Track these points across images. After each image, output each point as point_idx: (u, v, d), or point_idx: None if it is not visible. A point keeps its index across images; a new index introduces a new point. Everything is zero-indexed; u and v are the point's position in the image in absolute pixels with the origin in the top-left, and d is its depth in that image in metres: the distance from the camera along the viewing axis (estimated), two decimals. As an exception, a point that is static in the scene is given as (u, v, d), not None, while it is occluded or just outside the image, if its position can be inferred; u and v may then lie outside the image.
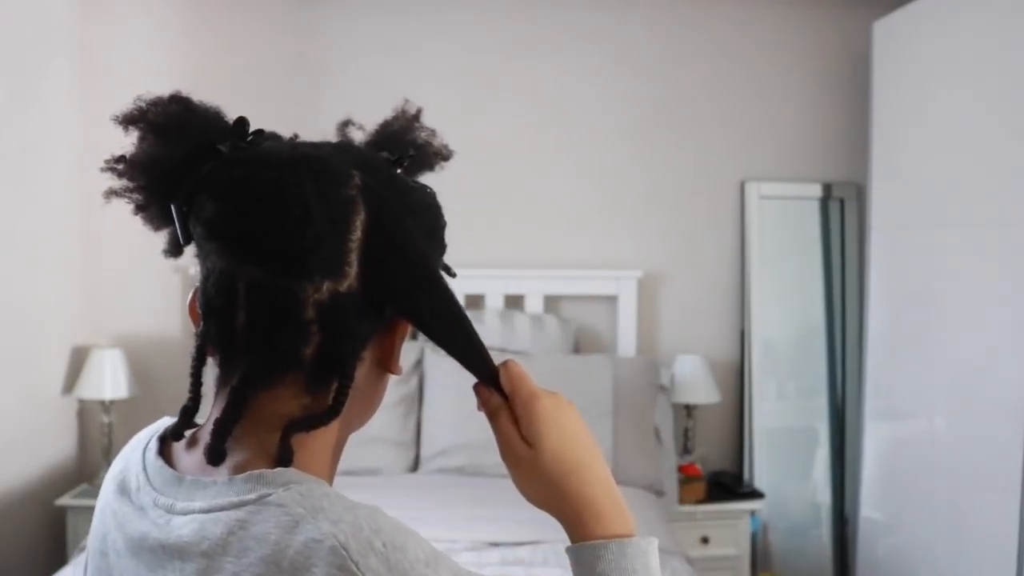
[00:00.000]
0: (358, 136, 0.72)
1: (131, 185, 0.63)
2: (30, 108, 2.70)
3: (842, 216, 3.31)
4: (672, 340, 3.25)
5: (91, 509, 2.69)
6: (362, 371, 0.65)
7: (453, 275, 0.70)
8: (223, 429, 0.61)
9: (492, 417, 0.67)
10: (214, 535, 0.57)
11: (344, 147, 0.68)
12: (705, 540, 2.93)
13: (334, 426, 0.64)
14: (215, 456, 0.60)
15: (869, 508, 2.96)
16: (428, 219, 0.68)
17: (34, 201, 2.74)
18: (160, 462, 0.65)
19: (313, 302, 0.60)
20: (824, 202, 3.32)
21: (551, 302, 3.18)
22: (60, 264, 2.90)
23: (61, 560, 2.71)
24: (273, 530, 0.55)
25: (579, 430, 0.67)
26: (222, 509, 0.58)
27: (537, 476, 0.66)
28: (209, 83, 2.99)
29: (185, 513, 0.59)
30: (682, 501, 2.90)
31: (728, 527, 2.96)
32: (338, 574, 0.52)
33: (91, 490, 2.77)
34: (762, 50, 3.26)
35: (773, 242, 3.27)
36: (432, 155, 0.73)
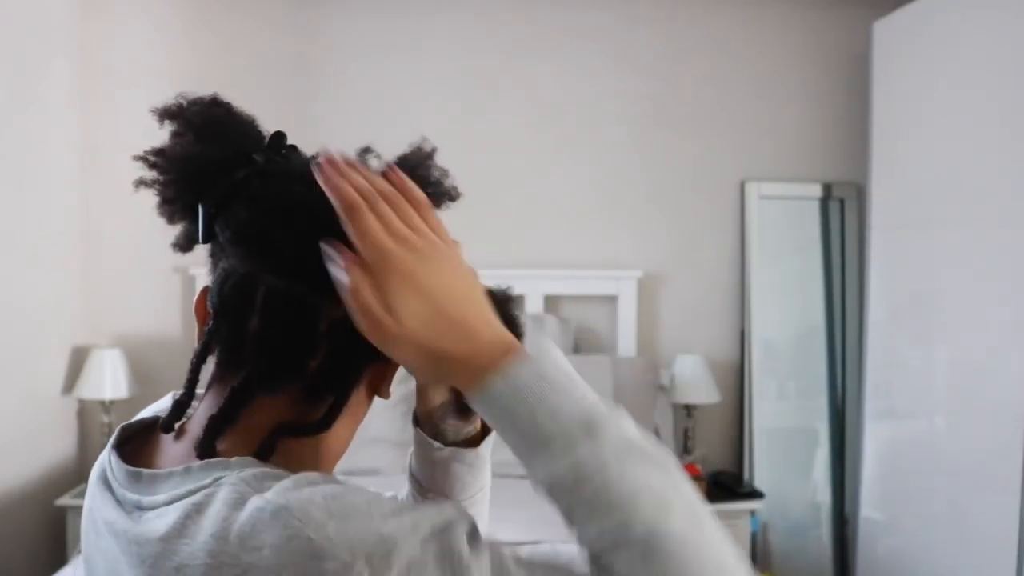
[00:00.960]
0: (374, 164, 0.74)
1: (162, 178, 0.65)
2: (30, 108, 2.70)
3: (842, 216, 3.31)
4: (672, 340, 3.24)
5: (91, 509, 2.69)
6: (355, 391, 0.67)
7: None
8: (218, 426, 0.62)
9: (351, 296, 0.59)
10: (171, 520, 0.58)
11: None
12: (705, 540, 2.93)
13: (317, 440, 0.66)
14: (205, 451, 0.62)
15: (869, 508, 2.96)
16: None
17: (34, 201, 2.74)
18: (115, 457, 0.67)
19: (329, 319, 0.62)
20: (824, 202, 3.32)
21: (551, 302, 3.18)
22: (60, 264, 2.90)
23: (61, 560, 2.71)
24: (223, 508, 0.56)
25: (444, 281, 0.59)
26: (181, 498, 0.59)
27: (411, 349, 0.59)
28: (209, 83, 2.97)
29: (153, 507, 0.61)
30: (682, 501, 2.89)
31: (728, 527, 2.94)
32: (284, 532, 0.53)
33: (91, 490, 2.77)
34: (762, 50, 3.26)
35: (773, 242, 3.27)
36: (442, 193, 0.75)
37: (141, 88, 3.01)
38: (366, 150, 0.73)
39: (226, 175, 0.63)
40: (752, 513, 3.02)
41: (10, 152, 2.58)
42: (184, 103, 0.65)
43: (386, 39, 3.12)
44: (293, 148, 0.68)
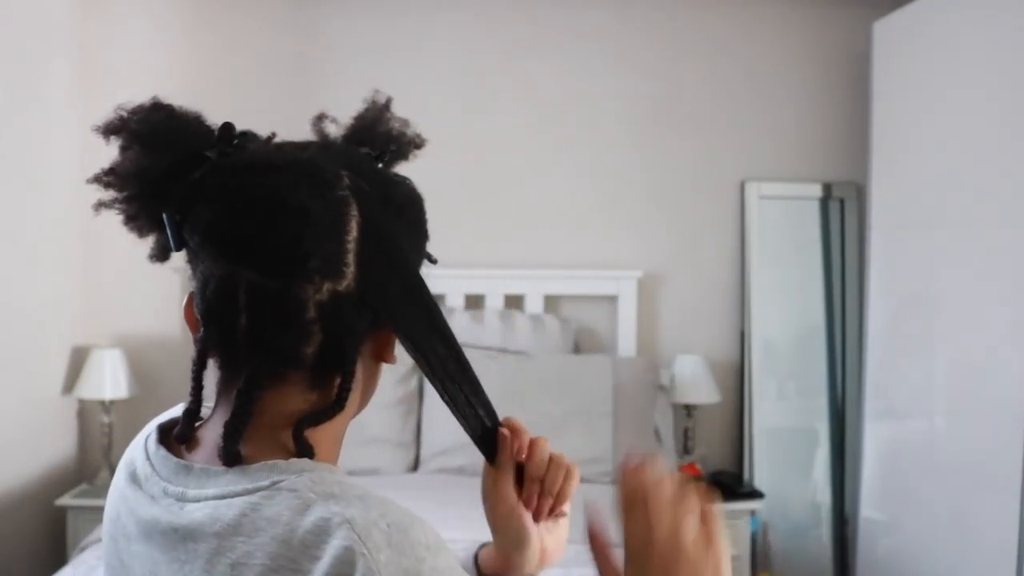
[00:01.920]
0: (332, 130, 0.73)
1: (120, 196, 0.64)
2: (30, 108, 2.70)
3: (842, 216, 3.31)
4: (672, 340, 3.24)
5: (91, 509, 2.69)
6: (360, 363, 0.66)
7: (434, 262, 0.72)
8: (235, 431, 0.62)
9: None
10: (227, 517, 0.58)
11: (328, 146, 0.69)
12: (705, 540, 2.93)
13: (337, 417, 0.66)
14: (230, 458, 0.61)
15: (869, 508, 2.96)
16: (412, 212, 0.69)
17: (34, 201, 2.74)
18: (163, 451, 0.66)
19: (315, 303, 0.61)
20: (824, 202, 3.31)
21: (551, 302, 3.18)
22: (60, 264, 2.90)
23: (61, 560, 2.71)
24: (285, 512, 0.57)
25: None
26: (236, 495, 0.59)
27: None
28: (209, 83, 2.98)
29: (198, 500, 0.61)
30: (682, 501, 2.89)
31: (728, 527, 2.96)
32: (342, 543, 0.54)
33: (91, 490, 2.77)
34: (762, 50, 3.26)
35: (773, 242, 3.27)
36: (406, 144, 0.73)
37: (141, 88, 3.00)
38: (321, 117, 0.72)
39: (181, 179, 0.62)
40: (752, 513, 3.02)
41: (10, 152, 2.58)
42: (125, 115, 0.63)
43: (386, 39, 3.12)
44: (245, 136, 0.65)
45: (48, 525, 2.78)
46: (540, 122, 3.19)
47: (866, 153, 3.09)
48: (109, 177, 0.64)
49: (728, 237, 3.27)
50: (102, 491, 2.75)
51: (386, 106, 0.73)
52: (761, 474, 3.20)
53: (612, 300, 3.19)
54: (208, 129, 0.65)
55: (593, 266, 3.20)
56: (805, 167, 3.29)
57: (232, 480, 0.60)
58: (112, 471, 2.84)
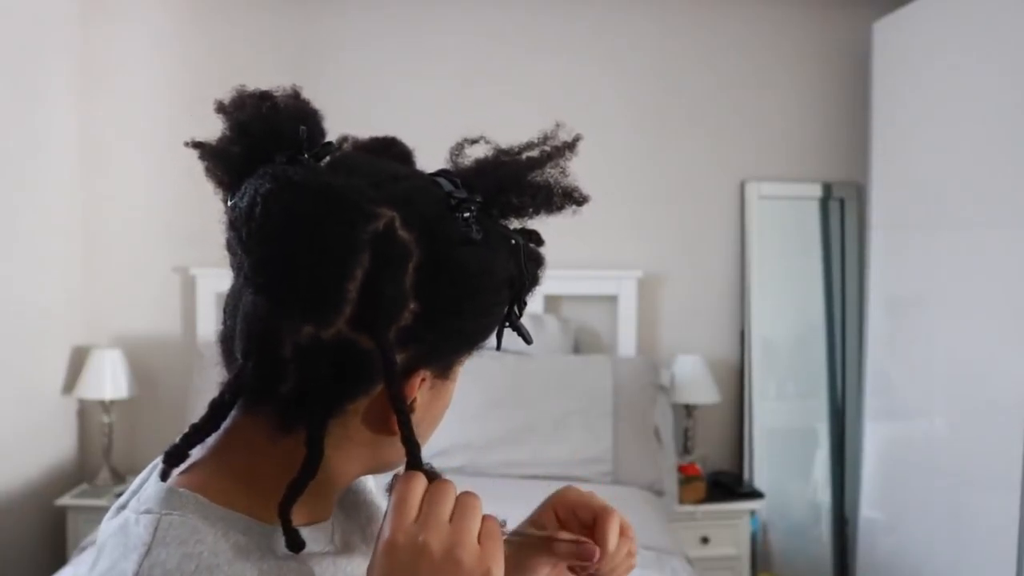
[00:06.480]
0: (479, 151, 0.68)
1: (204, 166, 0.63)
2: (30, 108, 2.70)
3: (842, 216, 3.31)
4: (672, 340, 3.24)
5: (91, 509, 2.69)
6: (353, 424, 0.60)
7: (528, 341, 0.67)
8: (191, 437, 0.59)
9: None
10: (107, 531, 0.58)
11: (395, 178, 0.61)
12: (705, 540, 2.93)
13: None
14: (169, 458, 0.58)
15: (869, 508, 2.96)
16: (471, 283, 0.61)
17: (34, 201, 2.73)
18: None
19: (291, 341, 0.55)
20: (824, 202, 3.32)
21: (551, 302, 3.18)
22: (60, 264, 2.90)
23: (61, 560, 2.70)
24: (121, 546, 0.55)
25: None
26: (123, 508, 0.59)
27: None
28: (208, 83, 2.98)
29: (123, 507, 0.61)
30: (682, 501, 2.90)
31: (728, 527, 2.96)
32: None
33: (91, 490, 2.77)
34: (762, 50, 3.26)
35: (773, 242, 3.27)
36: (554, 197, 0.69)
37: (141, 88, 3.01)
38: (344, 139, 0.69)
39: (246, 171, 0.60)
40: (752, 513, 3.02)
41: (10, 152, 2.58)
42: (232, 98, 0.63)
43: (387, 40, 3.12)
44: (326, 146, 0.62)
45: (48, 525, 2.78)
46: (540, 122, 3.16)
47: (866, 153, 3.09)
48: (199, 149, 0.63)
49: (728, 237, 3.27)
50: (102, 491, 2.75)
51: (541, 145, 0.69)
52: (761, 474, 3.20)
53: (612, 300, 3.19)
54: (291, 131, 0.61)
55: (593, 266, 3.19)
56: (805, 167, 3.29)
57: (131, 488, 0.60)
58: (112, 471, 2.84)
